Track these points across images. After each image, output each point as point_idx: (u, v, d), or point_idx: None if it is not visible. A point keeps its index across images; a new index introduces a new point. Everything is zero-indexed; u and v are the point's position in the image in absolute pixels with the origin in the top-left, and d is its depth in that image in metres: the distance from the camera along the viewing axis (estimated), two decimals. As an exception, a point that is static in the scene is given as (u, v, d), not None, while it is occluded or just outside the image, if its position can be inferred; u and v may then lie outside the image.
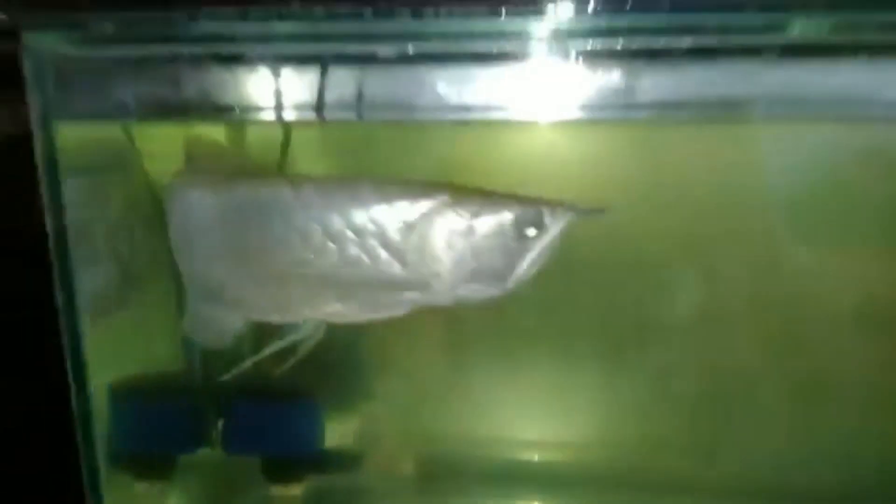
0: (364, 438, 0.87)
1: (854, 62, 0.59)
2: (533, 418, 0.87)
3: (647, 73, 0.60)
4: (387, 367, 0.85)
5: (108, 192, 0.68)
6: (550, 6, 0.53)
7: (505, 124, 0.64)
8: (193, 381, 0.82)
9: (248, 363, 0.58)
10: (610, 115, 0.60)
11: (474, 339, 0.83)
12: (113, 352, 0.74)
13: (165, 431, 0.81)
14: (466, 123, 0.62)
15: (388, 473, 0.87)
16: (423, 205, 0.53)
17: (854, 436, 0.78)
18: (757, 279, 0.78)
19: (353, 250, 0.53)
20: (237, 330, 0.60)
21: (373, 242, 0.53)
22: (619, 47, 0.58)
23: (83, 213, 0.64)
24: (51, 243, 0.61)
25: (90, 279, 0.66)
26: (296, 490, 0.84)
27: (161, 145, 0.68)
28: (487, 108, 0.60)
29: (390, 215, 0.53)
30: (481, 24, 0.57)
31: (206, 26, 0.57)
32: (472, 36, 0.59)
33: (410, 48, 0.57)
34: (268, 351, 0.58)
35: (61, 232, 0.61)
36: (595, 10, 0.52)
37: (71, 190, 0.62)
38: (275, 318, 0.58)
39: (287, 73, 0.62)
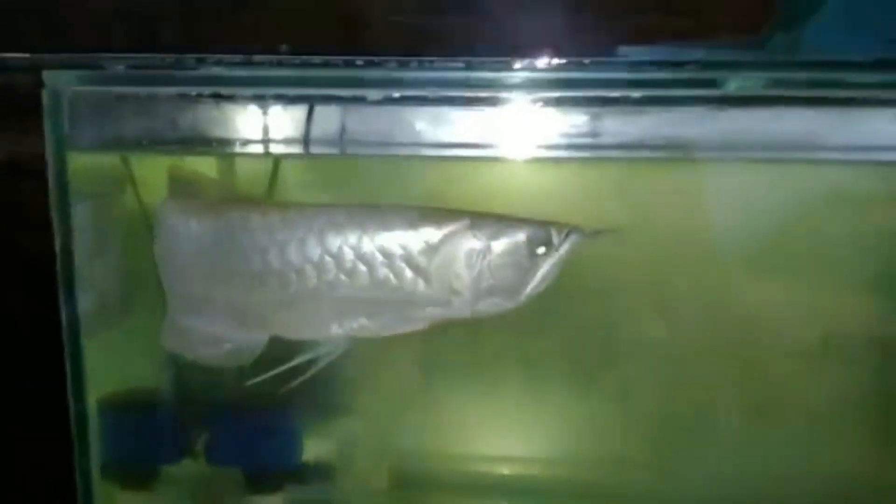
0: (341, 451, 0.91)
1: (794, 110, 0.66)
2: (504, 434, 0.91)
3: (606, 117, 0.67)
4: (364, 382, 0.89)
5: (108, 215, 0.73)
6: (518, 62, 0.60)
7: (477, 161, 0.70)
8: (178, 393, 0.86)
9: (274, 372, 0.62)
10: (572, 154, 0.67)
11: (448, 357, 0.88)
12: (104, 365, 0.79)
13: (150, 442, 0.85)
14: (443, 160, 0.69)
15: (365, 485, 0.91)
16: (446, 228, 0.59)
17: (803, 454, 0.84)
18: (711, 308, 0.84)
19: (382, 271, 0.59)
20: (259, 348, 0.64)
21: (400, 264, 0.59)
22: (578, 95, 0.65)
23: (86, 234, 0.69)
24: (58, 263, 0.66)
25: (89, 296, 0.70)
26: (276, 500, 0.87)
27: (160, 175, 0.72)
28: (461, 146, 0.67)
29: (416, 238, 0.59)
30: (458, 74, 0.64)
31: (209, 69, 0.63)
32: (449, 83, 0.65)
33: (395, 93, 0.64)
34: (294, 363, 0.62)
35: (68, 252, 0.66)
36: (557, 65, 0.60)
37: (77, 213, 0.67)
38: (301, 334, 0.63)
39: (278, 110, 0.68)
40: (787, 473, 0.83)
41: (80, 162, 0.66)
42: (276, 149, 0.68)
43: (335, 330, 0.62)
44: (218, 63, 0.59)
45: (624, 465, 0.88)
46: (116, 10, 0.63)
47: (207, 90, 0.65)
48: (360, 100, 0.65)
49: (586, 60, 0.60)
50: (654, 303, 0.85)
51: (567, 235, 0.59)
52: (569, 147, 0.68)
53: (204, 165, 0.71)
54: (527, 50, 0.62)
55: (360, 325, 0.61)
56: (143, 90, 0.65)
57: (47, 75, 0.63)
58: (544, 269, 0.59)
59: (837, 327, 0.82)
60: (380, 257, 0.59)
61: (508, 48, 0.62)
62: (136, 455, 0.85)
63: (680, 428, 0.87)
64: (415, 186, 0.73)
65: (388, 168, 0.74)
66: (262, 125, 0.67)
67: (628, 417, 0.88)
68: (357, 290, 0.60)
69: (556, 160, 0.69)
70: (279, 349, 0.64)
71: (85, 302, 0.70)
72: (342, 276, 0.59)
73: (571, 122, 0.67)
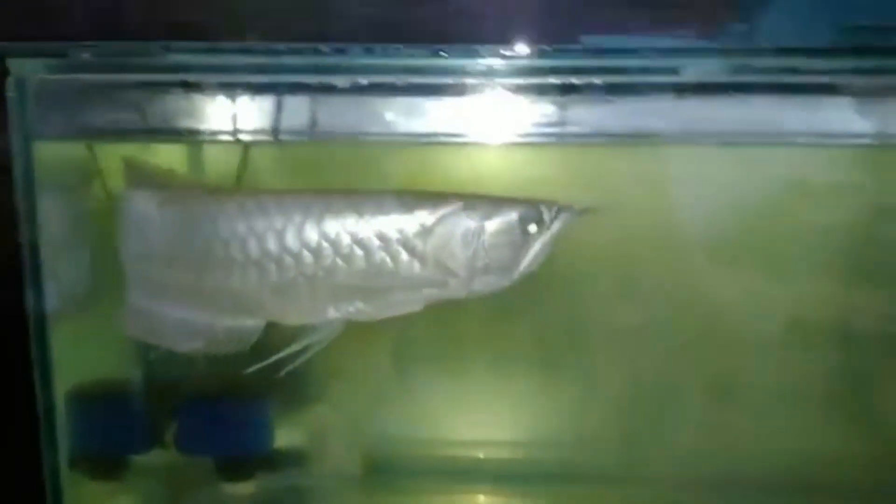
0: (314, 437, 0.91)
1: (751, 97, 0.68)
2: (477, 418, 0.92)
3: (572, 105, 0.69)
4: (336, 367, 0.88)
5: (74, 205, 0.73)
6: (481, 48, 0.61)
7: (447, 147, 0.72)
8: (147, 382, 0.85)
9: (273, 359, 0.62)
10: (539, 139, 0.69)
11: (421, 342, 0.89)
12: (72, 356, 0.78)
13: (119, 432, 0.84)
14: (412, 145, 0.70)
15: (338, 472, 0.91)
16: (441, 210, 0.60)
17: (767, 432, 0.86)
18: (677, 291, 0.85)
19: (379, 255, 0.60)
20: (254, 335, 0.64)
21: (396, 247, 0.60)
22: (543, 81, 0.67)
23: (53, 225, 0.68)
24: (25, 254, 0.65)
25: (56, 288, 0.70)
26: (248, 488, 0.88)
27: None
28: (428, 133, 0.68)
29: (412, 221, 0.60)
30: (423, 61, 0.65)
31: (176, 57, 0.63)
32: (415, 70, 0.66)
33: (362, 80, 0.64)
34: (291, 350, 0.62)
35: (35, 244, 0.66)
36: (523, 53, 0.61)
37: (43, 204, 0.66)
38: (296, 320, 0.63)
39: (246, 99, 0.68)
40: (750, 452, 0.86)
41: (47, 152, 0.65)
42: (244, 137, 0.67)
43: (332, 314, 0.62)
44: (185, 50, 0.59)
45: (596, 447, 0.90)
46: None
47: (175, 78, 0.64)
48: (328, 88, 0.65)
49: (550, 48, 0.61)
50: (622, 286, 0.87)
51: (557, 213, 0.60)
52: (536, 134, 0.69)
53: (166, 154, 0.71)
54: (493, 38, 0.63)
55: (357, 308, 0.62)
56: (109, 78, 0.64)
57: (12, 63, 0.62)
58: (537, 246, 0.60)
59: (800, 311, 0.85)
60: (376, 241, 0.60)
61: (477, 37, 0.64)
62: (105, 445, 0.84)
63: (651, 409, 0.89)
64: (386, 173, 0.74)
65: (359, 155, 0.75)
66: (231, 113, 0.67)
67: (599, 400, 0.90)
68: (354, 274, 0.60)
69: (524, 145, 0.70)
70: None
71: (53, 293, 0.69)
72: (339, 261, 0.60)
73: (538, 110, 0.68)
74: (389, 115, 0.66)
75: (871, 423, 0.87)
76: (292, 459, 0.90)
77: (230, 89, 0.66)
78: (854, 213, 0.82)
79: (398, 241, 0.60)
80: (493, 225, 0.60)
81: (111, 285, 0.68)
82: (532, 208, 0.60)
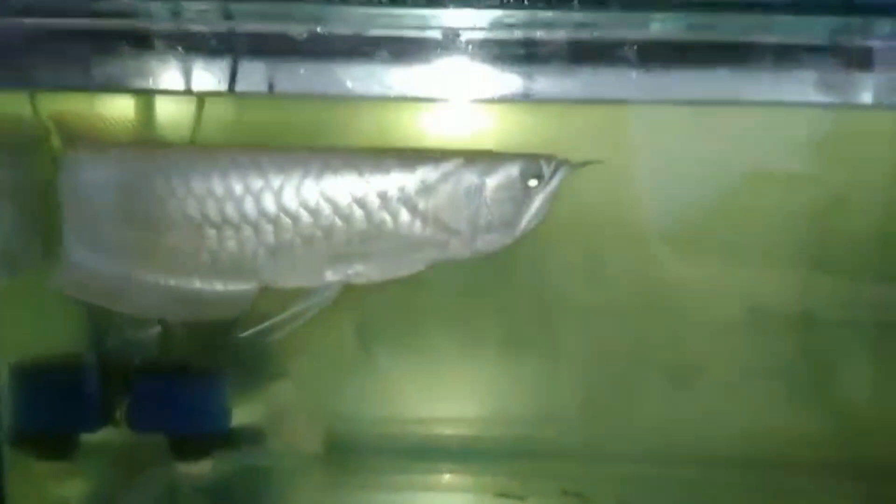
0: (273, 415, 0.89)
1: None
2: (441, 395, 0.92)
3: (535, 61, 0.67)
4: (296, 343, 0.87)
5: (15, 163, 0.69)
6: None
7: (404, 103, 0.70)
8: (96, 356, 0.82)
9: (269, 323, 0.60)
10: (502, 96, 0.67)
11: (383, 317, 0.88)
12: (13, 328, 0.75)
13: (66, 409, 0.81)
14: (371, 102, 0.68)
15: (298, 450, 0.90)
16: (441, 168, 0.59)
17: (730, 409, 0.87)
18: (640, 263, 0.86)
19: (380, 214, 0.58)
20: (249, 298, 0.62)
21: (397, 206, 0.59)
22: (506, 37, 0.65)
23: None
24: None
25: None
26: (204, 468, 0.85)
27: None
28: (388, 88, 0.66)
29: (413, 179, 0.59)
30: (385, 12, 0.63)
31: (120, 3, 0.60)
32: (373, 21, 0.64)
33: (318, 28, 0.62)
34: (289, 313, 0.60)
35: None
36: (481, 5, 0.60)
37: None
38: (292, 283, 0.61)
39: (197, 50, 0.65)
40: (712, 428, 0.87)
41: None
42: (198, 89, 0.65)
43: (329, 277, 0.60)
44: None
45: (561, 423, 0.89)
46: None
47: (124, 24, 0.62)
48: (284, 38, 0.63)
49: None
50: (585, 259, 0.87)
51: (557, 167, 0.59)
52: (497, 91, 0.67)
53: (108, 108, 0.68)
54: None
55: (356, 271, 0.60)
56: (52, 22, 0.61)
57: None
58: (538, 202, 0.59)
59: (762, 292, 0.86)
60: (377, 200, 0.58)
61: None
62: (51, 423, 0.81)
63: (614, 385, 0.89)
64: (348, 130, 0.72)
65: (320, 112, 0.72)
66: (182, 64, 0.64)
67: (564, 376, 0.90)
68: (353, 234, 0.59)
69: (483, 101, 0.68)
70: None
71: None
72: (338, 221, 0.59)
73: (501, 65, 0.67)
74: (350, 84, 0.64)
75: (829, 402, 0.88)
76: (250, 438, 0.88)
77: (182, 38, 0.63)
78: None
79: (399, 199, 0.58)
80: (494, 181, 0.59)
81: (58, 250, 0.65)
82: (532, 163, 0.59)
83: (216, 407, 0.85)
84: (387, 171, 0.58)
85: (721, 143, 0.81)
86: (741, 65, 0.68)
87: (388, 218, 0.59)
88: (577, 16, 0.64)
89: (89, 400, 0.82)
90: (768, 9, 0.64)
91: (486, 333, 0.90)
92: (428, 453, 0.91)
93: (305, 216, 0.59)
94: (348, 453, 0.90)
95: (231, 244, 0.59)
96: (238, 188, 0.59)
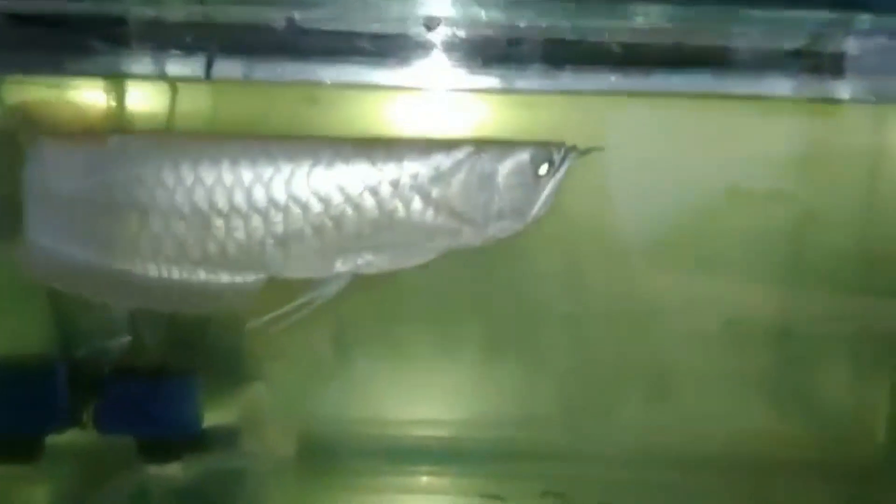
0: (246, 417, 0.87)
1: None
2: (418, 397, 0.91)
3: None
4: (270, 344, 0.85)
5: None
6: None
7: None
8: (63, 356, 0.80)
9: (277, 313, 0.59)
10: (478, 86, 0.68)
11: (360, 318, 0.86)
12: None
13: (31, 410, 0.78)
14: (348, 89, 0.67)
15: (272, 453, 0.88)
16: (454, 155, 0.58)
17: (711, 411, 0.87)
18: (623, 266, 0.86)
19: (392, 202, 0.57)
20: (256, 290, 0.60)
21: (409, 193, 0.58)
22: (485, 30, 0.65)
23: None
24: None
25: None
26: (174, 471, 0.83)
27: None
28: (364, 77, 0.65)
29: (426, 167, 0.58)
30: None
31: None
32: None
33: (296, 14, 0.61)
34: (297, 303, 0.59)
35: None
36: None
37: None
38: (300, 274, 0.60)
39: (173, 35, 0.64)
40: (693, 430, 0.87)
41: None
42: (172, 75, 0.63)
43: (339, 267, 0.59)
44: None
45: (540, 425, 0.89)
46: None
47: (96, 8, 0.60)
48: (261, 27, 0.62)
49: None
50: (565, 261, 0.86)
51: (566, 154, 0.59)
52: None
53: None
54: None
55: (366, 261, 0.59)
56: (18, 5, 0.59)
57: None
58: (548, 188, 0.59)
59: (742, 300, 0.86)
60: (388, 188, 0.57)
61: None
62: (16, 424, 0.78)
63: (595, 387, 0.89)
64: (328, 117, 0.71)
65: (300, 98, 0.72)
66: (157, 50, 0.63)
67: (543, 378, 0.89)
68: (364, 223, 0.58)
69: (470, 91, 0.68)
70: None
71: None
72: (349, 210, 0.57)
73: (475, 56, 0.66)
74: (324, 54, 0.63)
75: (802, 407, 0.90)
76: (223, 440, 0.86)
77: (157, 25, 0.62)
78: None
79: (412, 187, 0.58)
80: (506, 167, 0.58)
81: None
82: (543, 149, 0.59)
83: (187, 409, 0.83)
84: (399, 158, 0.58)
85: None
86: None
87: (400, 206, 0.58)
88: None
89: (55, 400, 0.80)
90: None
91: (466, 335, 0.89)
92: (407, 455, 0.90)
93: (316, 205, 0.57)
94: (326, 456, 0.89)
95: (239, 234, 0.58)
96: (248, 176, 0.57)
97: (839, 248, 0.86)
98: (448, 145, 0.59)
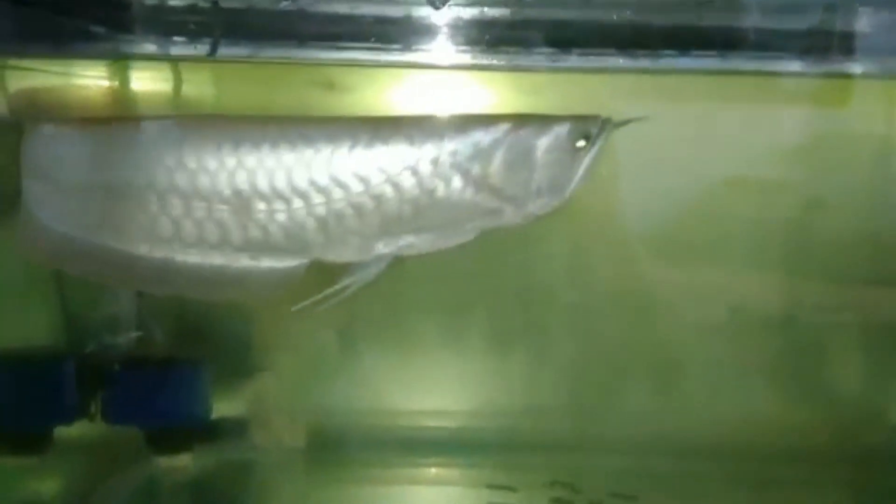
0: (254, 408, 0.87)
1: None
2: (427, 388, 0.90)
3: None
4: (279, 334, 0.85)
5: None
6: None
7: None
8: (70, 346, 0.80)
9: (320, 296, 0.59)
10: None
11: (368, 309, 0.85)
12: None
13: (38, 402, 0.78)
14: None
15: (281, 444, 0.87)
16: (493, 132, 0.57)
17: (717, 400, 0.88)
18: (629, 253, 0.85)
19: (432, 181, 0.57)
20: (298, 275, 0.59)
21: (450, 171, 0.57)
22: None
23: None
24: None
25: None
26: (184, 462, 0.83)
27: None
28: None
29: (466, 144, 0.57)
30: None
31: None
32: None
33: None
34: (339, 286, 0.59)
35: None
36: None
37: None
38: (342, 257, 0.59)
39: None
40: (699, 419, 0.87)
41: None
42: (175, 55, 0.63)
43: (380, 250, 0.59)
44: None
45: (548, 415, 0.88)
46: None
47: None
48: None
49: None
50: (572, 249, 0.86)
51: (603, 126, 0.58)
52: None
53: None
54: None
55: (407, 242, 0.59)
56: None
57: None
58: (586, 162, 0.58)
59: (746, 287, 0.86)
60: (429, 167, 0.57)
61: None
62: (24, 417, 0.78)
63: (601, 376, 0.89)
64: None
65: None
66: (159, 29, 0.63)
67: (551, 368, 0.89)
68: (405, 203, 0.57)
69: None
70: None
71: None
72: (389, 190, 0.57)
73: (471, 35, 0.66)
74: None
75: (809, 396, 0.89)
76: (231, 431, 0.86)
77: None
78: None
79: (452, 165, 0.57)
80: (545, 143, 0.58)
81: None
82: (580, 123, 0.58)
83: (195, 400, 0.83)
84: (438, 136, 0.57)
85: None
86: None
87: (440, 185, 0.57)
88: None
89: (63, 392, 0.79)
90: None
91: (474, 325, 0.88)
92: (415, 446, 0.90)
93: (356, 185, 0.57)
94: (334, 446, 0.88)
95: (281, 217, 0.58)
96: (289, 159, 0.57)
97: (847, 235, 0.85)
98: (486, 121, 0.58)
